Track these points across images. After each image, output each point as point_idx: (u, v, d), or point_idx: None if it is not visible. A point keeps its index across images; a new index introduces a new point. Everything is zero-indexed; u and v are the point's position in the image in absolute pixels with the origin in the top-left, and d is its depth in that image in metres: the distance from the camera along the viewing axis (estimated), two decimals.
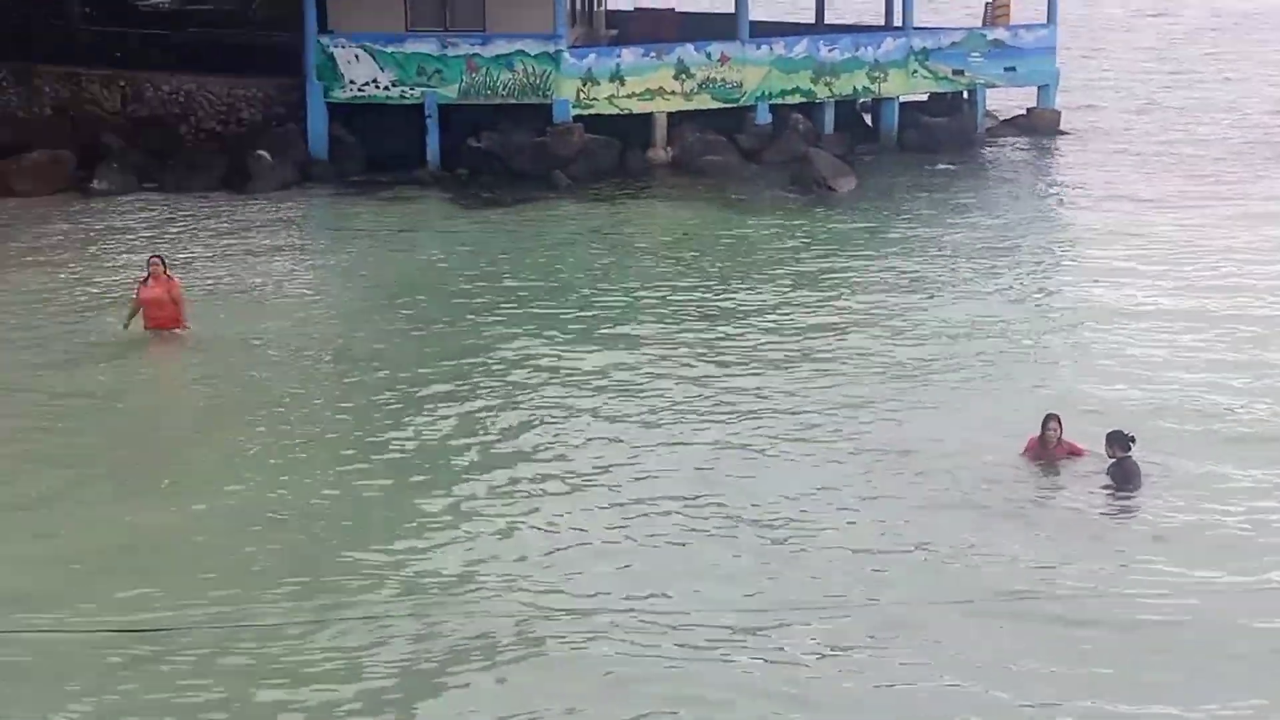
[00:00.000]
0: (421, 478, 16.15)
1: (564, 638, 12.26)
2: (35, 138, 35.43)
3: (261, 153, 35.36)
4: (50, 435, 17.71)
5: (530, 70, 37.10)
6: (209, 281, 25.37)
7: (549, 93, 37.10)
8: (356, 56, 36.74)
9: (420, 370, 20.12)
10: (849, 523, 14.96)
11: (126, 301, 22.48)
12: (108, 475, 16.35)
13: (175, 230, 30.54)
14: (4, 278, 26.17)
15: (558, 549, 14.15)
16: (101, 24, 40.11)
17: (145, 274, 21.66)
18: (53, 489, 15.90)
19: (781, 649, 12.17)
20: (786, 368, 20.24)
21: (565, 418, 18.08)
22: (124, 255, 28.00)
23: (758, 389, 19.21)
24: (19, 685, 11.31)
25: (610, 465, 16.47)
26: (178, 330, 21.42)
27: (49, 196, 33.74)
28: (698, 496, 15.49)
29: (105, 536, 14.47)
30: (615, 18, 48.17)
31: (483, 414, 18.27)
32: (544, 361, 20.50)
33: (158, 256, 22.13)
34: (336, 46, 36.70)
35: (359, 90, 36.78)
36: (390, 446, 17.12)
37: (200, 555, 14.05)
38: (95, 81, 37.04)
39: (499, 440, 17.34)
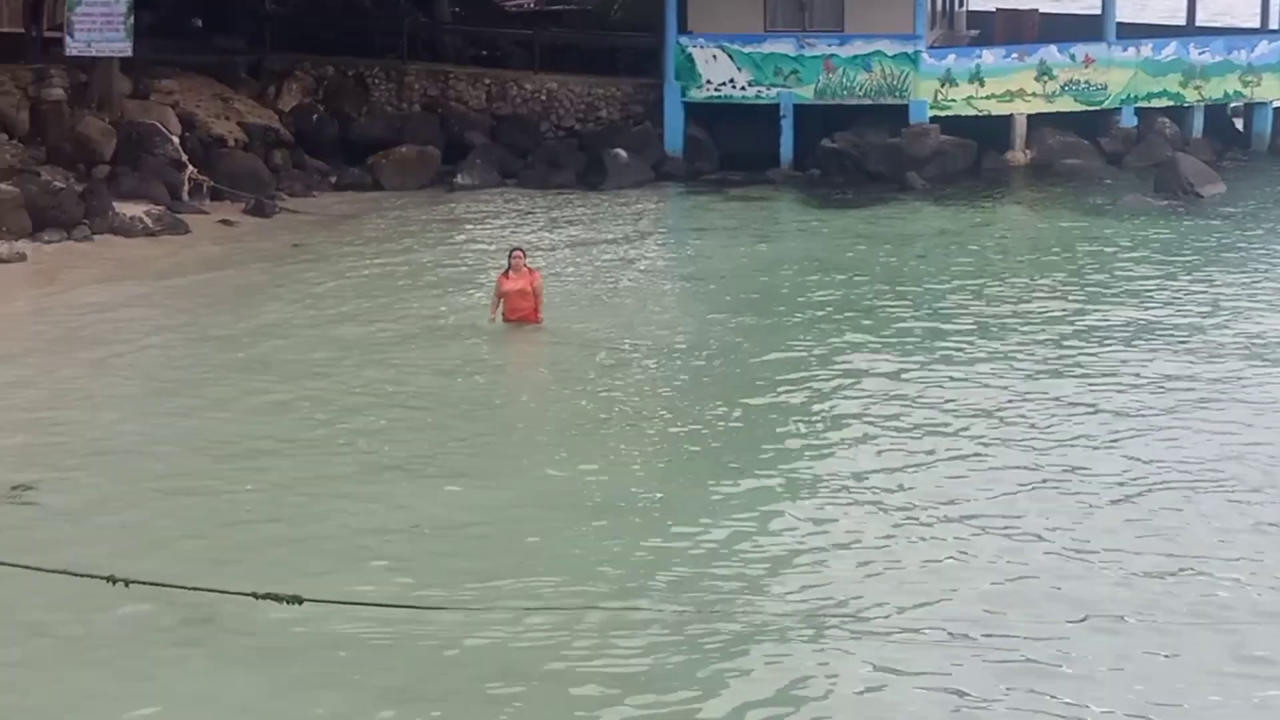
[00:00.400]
0: (737, 470, 15.91)
1: (839, 642, 11.95)
2: (404, 133, 36.69)
3: (618, 151, 35.92)
4: (392, 410, 18.18)
5: (887, 71, 36.81)
6: (563, 276, 25.80)
7: (905, 94, 36.73)
8: (714, 57, 37.02)
9: (760, 369, 19.96)
10: (1188, 543, 14.21)
11: (487, 292, 23.03)
12: (440, 454, 16.66)
13: (532, 225, 31.22)
14: (367, 266, 27.14)
15: (848, 553, 13.73)
16: (469, 24, 41.33)
17: (506, 266, 21.97)
18: (391, 462, 16.30)
19: (1066, 667, 11.62)
20: (1132, 385, 19.29)
21: (888, 421, 17.56)
22: (483, 248, 28.75)
23: (1100, 406, 18.33)
24: (360, 659, 11.58)
25: (917, 472, 15.87)
26: (535, 322, 21.70)
27: (416, 191, 34.90)
28: (1008, 514, 14.82)
29: (428, 512, 14.75)
30: (976, 18, 47.42)
31: (814, 417, 17.93)
32: (881, 366, 20.05)
33: (520, 249, 22.44)
34: (695, 47, 37.03)
35: (715, 90, 37.04)
36: (717, 443, 16.96)
37: (512, 536, 14.18)
38: (462, 79, 38.20)
39: (819, 442, 16.97)
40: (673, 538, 14.11)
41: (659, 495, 15.32)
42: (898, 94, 36.79)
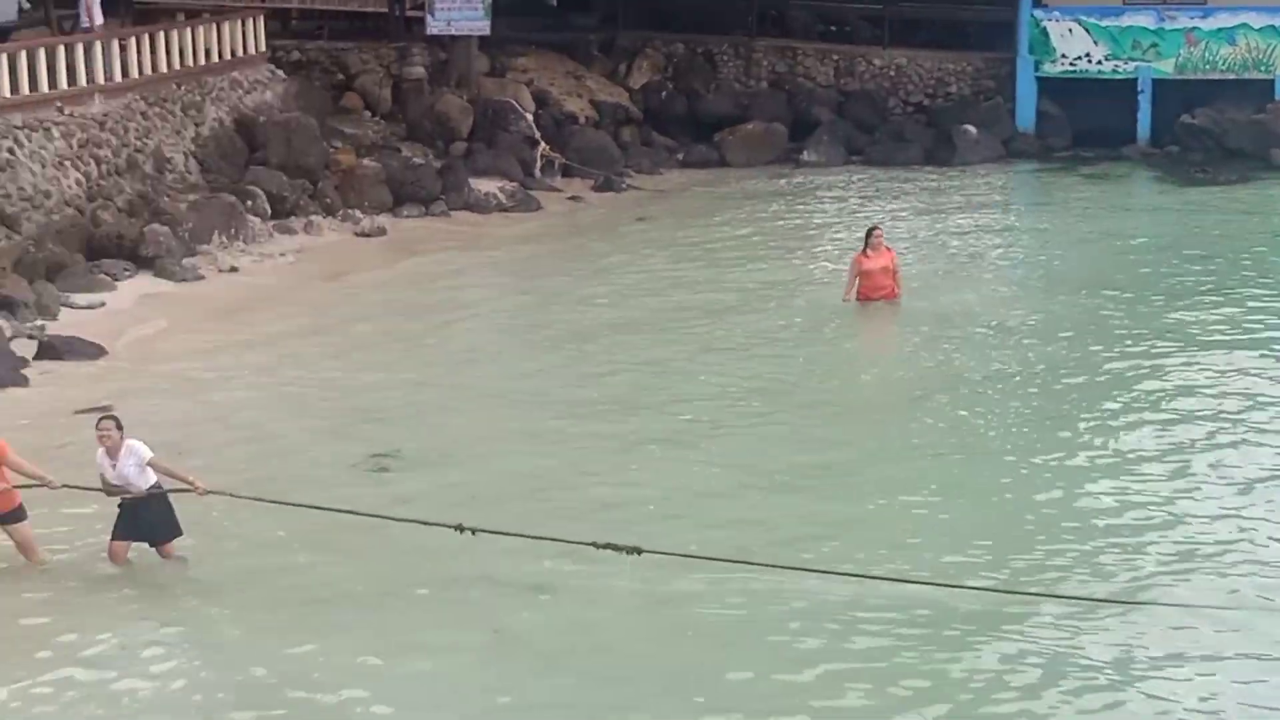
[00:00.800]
0: (1107, 459, 15.48)
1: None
2: (751, 110, 36.78)
3: (967, 127, 35.39)
4: (760, 385, 18.23)
5: (1253, 44, 35.44)
6: (911, 252, 25.41)
7: (1272, 68, 35.29)
8: (1070, 30, 36.17)
9: (1109, 350, 19.38)
10: None
11: (837, 268, 22.96)
12: (781, 423, 16.62)
13: (879, 201, 30.96)
14: (712, 243, 27.31)
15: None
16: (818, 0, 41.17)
17: (864, 244, 21.77)
18: (734, 424, 16.39)
19: None
20: None
21: (1239, 402, 16.85)
22: (830, 225, 28.66)
23: None
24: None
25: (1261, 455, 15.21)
26: (893, 298, 21.48)
27: (761, 167, 34.97)
28: None
29: (767, 475, 14.77)
30: None
31: (1160, 395, 17.32)
32: (1230, 349, 19.17)
33: (878, 227, 22.16)
34: (1050, 20, 36.23)
35: (1070, 65, 36.20)
36: (1058, 420, 16.47)
37: (847, 503, 14.05)
38: (810, 55, 38.12)
39: (1165, 419, 16.42)
40: (1020, 514, 13.83)
41: (1000, 470, 15.02)
42: (1263, 68, 35.36)
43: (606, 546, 11.48)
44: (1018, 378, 18.33)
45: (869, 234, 21.55)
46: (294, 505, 12.74)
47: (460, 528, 11.79)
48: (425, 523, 12.17)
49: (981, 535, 13.26)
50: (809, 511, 13.93)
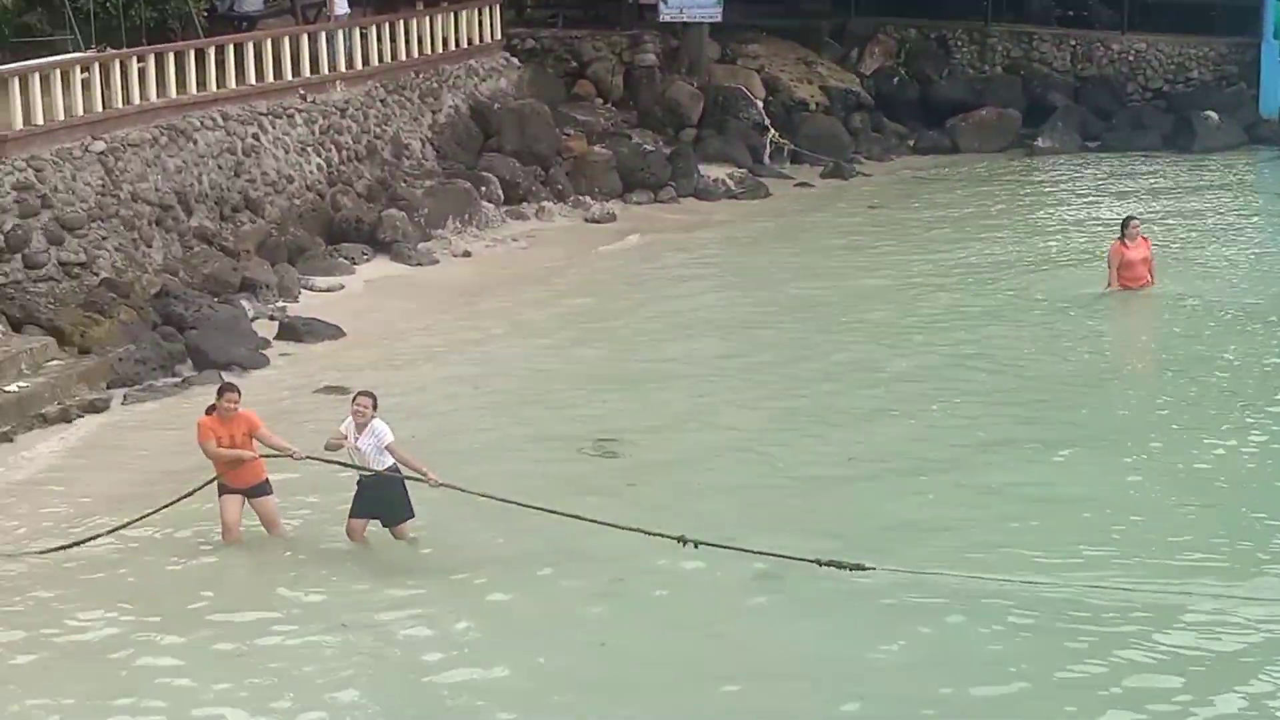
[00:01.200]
0: None
1: None
2: (985, 95, 36.27)
3: (1209, 113, 34.50)
4: (977, 376, 18.17)
5: None
6: (1161, 240, 24.78)
7: None
8: None
9: None
10: None
11: (1072, 254, 22.68)
12: (1037, 425, 16.49)
13: (1121, 189, 30.35)
14: (949, 230, 27.04)
15: None
16: None
17: (1120, 234, 21.34)
18: (989, 435, 16.24)
19: None
20: None
21: None
22: (1067, 213, 28.18)
23: None
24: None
25: None
26: (1147, 286, 21.25)
27: (994, 154, 34.48)
28: None
29: (1007, 486, 14.64)
30: None
31: None
32: None
33: (1136, 218, 21.83)
34: None
35: None
36: None
37: (1117, 513, 13.86)
38: (1046, 40, 37.45)
39: None
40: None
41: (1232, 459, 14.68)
42: None
43: (829, 564, 11.44)
44: (1249, 364, 18.09)
45: (1125, 224, 21.39)
46: (520, 505, 12.91)
47: (683, 540, 11.84)
48: (648, 532, 12.23)
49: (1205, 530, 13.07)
50: (1032, 500, 13.79)
